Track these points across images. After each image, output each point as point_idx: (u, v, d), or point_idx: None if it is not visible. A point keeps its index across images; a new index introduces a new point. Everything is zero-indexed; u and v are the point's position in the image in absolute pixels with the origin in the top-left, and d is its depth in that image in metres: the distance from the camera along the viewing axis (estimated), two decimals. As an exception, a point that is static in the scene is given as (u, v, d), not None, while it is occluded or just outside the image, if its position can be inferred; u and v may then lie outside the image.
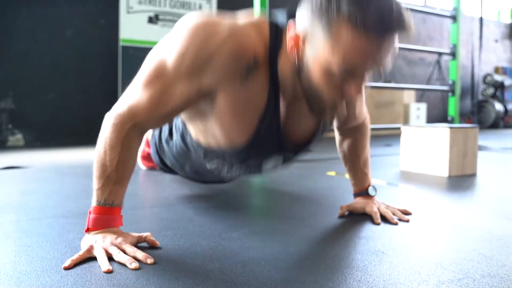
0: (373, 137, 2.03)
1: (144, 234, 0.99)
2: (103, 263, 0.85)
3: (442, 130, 2.11)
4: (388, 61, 0.83)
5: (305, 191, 1.72)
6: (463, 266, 0.86)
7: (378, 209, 1.27)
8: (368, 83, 1.27)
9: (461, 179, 2.01)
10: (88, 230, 0.95)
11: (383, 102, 5.72)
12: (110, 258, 0.88)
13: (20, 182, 1.90)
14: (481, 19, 4.06)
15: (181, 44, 0.90)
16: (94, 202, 0.96)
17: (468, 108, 7.70)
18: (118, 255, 0.88)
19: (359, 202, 1.32)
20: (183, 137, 1.24)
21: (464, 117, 7.18)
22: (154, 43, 4.18)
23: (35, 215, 1.27)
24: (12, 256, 0.90)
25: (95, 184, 0.96)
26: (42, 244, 0.99)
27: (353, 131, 1.35)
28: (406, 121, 6.04)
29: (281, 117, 1.02)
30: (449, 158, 2.08)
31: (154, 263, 0.87)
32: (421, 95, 6.90)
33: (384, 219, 1.23)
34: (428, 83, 7.26)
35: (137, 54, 4.24)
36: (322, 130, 1.15)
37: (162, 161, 1.54)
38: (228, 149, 1.09)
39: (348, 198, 1.45)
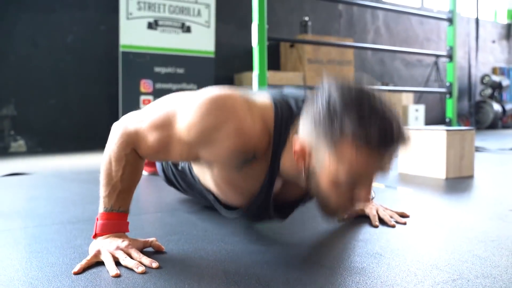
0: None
1: (150, 239, 1.02)
2: (111, 268, 0.88)
3: (439, 133, 2.14)
4: (390, 167, 0.87)
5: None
6: (458, 267, 0.90)
7: (377, 211, 1.30)
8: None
9: (458, 181, 2.04)
10: (95, 236, 0.98)
11: (382, 104, 5.76)
12: (117, 263, 0.91)
13: (26, 189, 1.93)
14: (477, 20, 4.10)
15: (191, 116, 0.92)
16: (101, 209, 1.00)
17: (466, 109, 7.74)
18: (125, 260, 0.91)
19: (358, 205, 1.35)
20: (188, 167, 1.27)
21: (462, 117, 7.22)
22: (154, 48, 4.19)
23: (42, 221, 1.31)
24: (23, 263, 0.94)
25: (102, 192, 1.00)
26: (51, 250, 1.03)
27: None
28: (404, 123, 6.08)
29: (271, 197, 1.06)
30: (446, 160, 2.12)
31: (160, 267, 0.90)
32: (419, 97, 6.94)
33: (382, 221, 1.26)
34: (426, 84, 7.30)
35: (137, 59, 4.28)
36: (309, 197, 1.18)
37: (166, 176, 1.56)
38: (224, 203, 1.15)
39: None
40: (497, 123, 7.88)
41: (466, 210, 1.44)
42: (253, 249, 1.02)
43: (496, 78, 7.93)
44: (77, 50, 4.35)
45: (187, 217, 1.36)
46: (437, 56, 4.73)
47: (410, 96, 6.48)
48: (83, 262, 0.91)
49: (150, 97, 4.35)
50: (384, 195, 1.71)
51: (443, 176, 2.12)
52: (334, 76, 0.87)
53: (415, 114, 6.17)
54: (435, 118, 7.04)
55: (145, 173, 2.25)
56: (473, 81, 7.24)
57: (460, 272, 0.87)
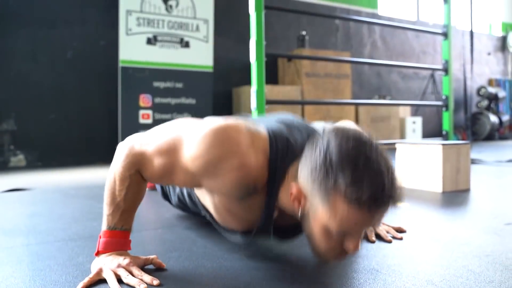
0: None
1: (151, 256, 1.04)
2: (113, 286, 0.90)
3: (435, 147, 2.17)
4: (380, 223, 0.89)
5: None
6: (453, 282, 0.92)
7: (373, 227, 1.32)
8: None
9: (454, 195, 2.07)
10: (98, 253, 1.01)
11: (379, 117, 5.80)
12: (120, 281, 0.93)
13: (27, 205, 1.95)
14: (471, 33, 4.16)
15: (196, 146, 0.94)
16: (104, 227, 1.02)
17: (463, 121, 7.79)
18: (127, 278, 0.93)
19: (355, 220, 1.37)
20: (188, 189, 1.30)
21: (459, 129, 7.26)
22: (153, 63, 4.24)
23: (44, 239, 1.33)
24: (27, 281, 0.96)
25: (105, 210, 1.02)
26: (54, 267, 1.04)
27: None
28: (402, 135, 6.12)
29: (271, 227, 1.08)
30: (443, 174, 2.14)
31: (161, 284, 0.92)
32: (417, 109, 6.99)
33: (379, 236, 1.29)
34: (423, 96, 7.36)
35: (136, 74, 4.32)
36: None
37: (165, 194, 1.58)
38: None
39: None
40: (494, 135, 7.93)
41: (461, 224, 1.47)
42: (252, 266, 1.04)
43: (492, 89, 8.00)
44: (77, 65, 4.39)
45: (186, 233, 1.38)
46: (433, 70, 4.79)
47: (408, 108, 6.52)
48: (86, 280, 0.93)
49: (149, 112, 4.39)
50: (381, 209, 1.73)
51: (440, 190, 2.14)
52: (335, 127, 0.89)
53: (413, 126, 6.20)
54: (432, 130, 7.08)
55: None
56: (469, 93, 7.31)
57: (454, 287, 0.89)
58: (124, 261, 0.97)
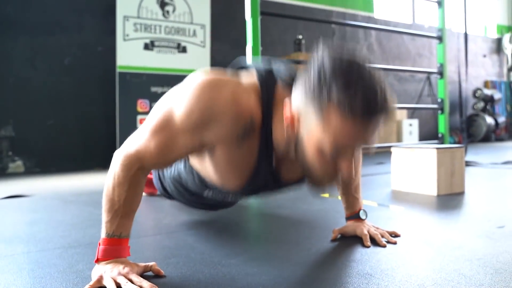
0: (366, 156, 2.12)
1: (150, 263, 1.06)
2: (113, 292, 0.92)
3: (430, 151, 2.20)
4: (374, 139, 0.92)
5: (299, 215, 1.80)
6: (444, 286, 0.94)
7: (368, 231, 1.35)
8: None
9: (449, 198, 2.09)
10: (98, 261, 1.03)
11: (376, 120, 5.83)
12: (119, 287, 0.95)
13: (26, 212, 1.97)
14: (465, 35, 4.20)
15: (188, 102, 0.98)
16: (103, 234, 1.04)
17: (459, 123, 7.84)
18: (126, 285, 0.95)
19: (350, 225, 1.40)
20: (184, 166, 1.33)
21: (456, 131, 7.31)
22: (150, 68, 4.29)
23: (44, 246, 1.35)
24: (28, 288, 0.98)
25: (104, 217, 1.04)
26: (54, 275, 1.06)
27: None
28: (399, 138, 6.15)
29: (273, 169, 1.12)
30: (437, 178, 2.17)
31: (160, 291, 0.94)
32: (413, 112, 7.03)
33: (374, 241, 1.31)
34: (419, 99, 7.40)
35: (134, 80, 4.34)
36: None
37: (163, 186, 1.61)
38: (224, 188, 1.20)
39: (340, 221, 1.53)
40: (491, 136, 7.98)
41: (455, 228, 1.49)
42: (248, 272, 1.06)
43: (488, 91, 8.06)
44: (74, 71, 4.41)
45: (185, 239, 1.41)
46: (429, 73, 4.82)
47: (404, 111, 6.56)
48: (86, 287, 0.95)
49: (147, 117, 4.40)
50: (376, 213, 1.76)
51: (435, 193, 2.17)
52: (328, 45, 0.91)
53: (409, 128, 6.24)
54: (429, 132, 7.12)
55: (143, 193, 2.29)
56: (465, 95, 7.36)
57: (445, 291, 0.91)
58: (124, 269, 0.99)
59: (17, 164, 4.14)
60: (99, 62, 4.52)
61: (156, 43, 4.45)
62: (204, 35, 4.71)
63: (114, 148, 4.27)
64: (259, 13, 2.81)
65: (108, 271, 0.99)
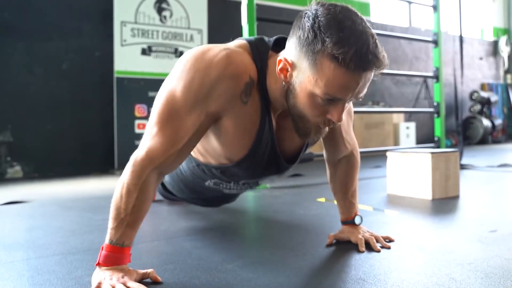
0: (363, 159, 2.12)
1: (148, 270, 1.08)
2: (112, 299, 0.94)
3: (424, 155, 2.23)
4: (365, 91, 0.95)
5: (295, 220, 1.82)
6: (435, 291, 0.96)
7: (363, 236, 1.37)
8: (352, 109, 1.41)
9: (444, 202, 2.12)
10: (99, 264, 1.04)
11: (373, 123, 5.86)
12: (117, 294, 0.97)
13: (25, 218, 1.99)
14: (461, 38, 4.23)
15: (185, 77, 1.01)
16: (107, 240, 1.05)
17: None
18: (124, 291, 0.97)
19: (345, 230, 1.42)
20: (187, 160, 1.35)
21: (453, 133, 7.34)
22: (148, 73, 4.32)
23: (43, 253, 1.36)
24: (28, 295, 1.00)
25: (110, 223, 1.05)
26: (53, 282, 1.08)
27: (343, 163, 1.45)
28: (396, 141, 6.18)
29: (273, 131, 1.15)
30: (432, 182, 2.20)
31: (157, 297, 0.96)
32: (410, 115, 7.07)
33: (368, 246, 1.33)
34: (416, 102, 7.44)
35: (131, 85, 4.37)
36: (307, 145, 1.28)
37: (162, 184, 1.63)
38: (229, 164, 1.22)
39: (336, 225, 1.56)
40: (487, 138, 8.02)
41: (448, 233, 1.52)
42: (244, 277, 1.08)
43: (484, 94, 8.11)
44: (72, 77, 4.44)
45: (182, 245, 1.43)
46: (425, 77, 4.86)
47: (401, 114, 6.60)
48: (85, 293, 0.97)
49: (145, 122, 4.43)
50: (371, 218, 1.78)
51: (430, 197, 2.20)
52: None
53: (406, 131, 6.27)
54: (426, 135, 7.16)
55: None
56: (461, 98, 7.40)
57: (436, 296, 0.94)
58: (123, 277, 1.01)
59: (16, 170, 4.15)
60: (96, 68, 4.54)
61: (154, 48, 4.48)
62: (201, 40, 4.73)
63: (112, 153, 4.30)
64: (256, 19, 2.83)
65: (107, 278, 1.01)
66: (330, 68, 0.87)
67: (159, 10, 4.52)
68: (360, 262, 1.20)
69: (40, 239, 1.56)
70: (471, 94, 8.12)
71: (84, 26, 4.53)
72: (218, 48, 1.04)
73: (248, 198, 2.37)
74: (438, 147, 3.81)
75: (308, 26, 0.90)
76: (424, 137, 7.08)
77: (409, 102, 7.42)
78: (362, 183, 2.90)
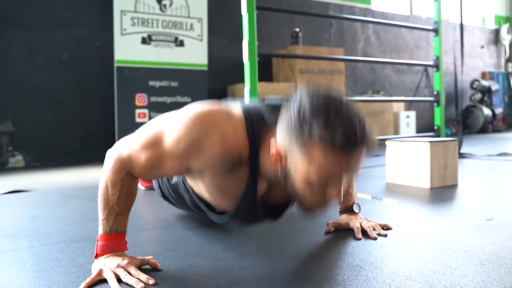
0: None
1: (147, 257, 1.11)
2: (113, 285, 0.97)
3: (423, 144, 2.24)
4: (360, 168, 0.96)
5: (293, 209, 1.83)
6: (429, 277, 0.99)
7: (360, 224, 1.39)
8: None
9: (442, 190, 2.14)
10: (97, 256, 1.07)
11: (373, 112, 5.87)
12: (119, 280, 1.00)
13: (28, 207, 2.01)
14: (461, 26, 4.22)
15: (178, 131, 1.02)
16: (100, 231, 1.08)
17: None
18: (125, 277, 1.00)
19: (344, 218, 1.45)
20: (179, 181, 1.37)
21: (453, 122, 7.35)
22: (148, 63, 4.30)
23: (46, 241, 1.39)
24: (32, 281, 1.02)
25: (100, 215, 1.08)
26: (56, 269, 1.11)
27: None
28: (396, 129, 6.19)
29: (259, 196, 1.15)
30: (430, 171, 2.21)
31: (157, 283, 0.98)
32: (410, 103, 7.06)
33: (365, 234, 1.35)
34: (416, 91, 7.43)
35: (132, 74, 4.37)
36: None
37: (161, 191, 1.64)
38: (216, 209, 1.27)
39: (333, 214, 1.57)
40: (488, 127, 8.03)
41: (445, 221, 1.54)
42: (243, 264, 1.10)
43: (485, 82, 8.09)
44: (72, 67, 4.44)
45: (182, 233, 1.45)
46: (425, 66, 4.85)
47: (401, 103, 6.59)
48: (88, 280, 0.99)
49: (145, 111, 4.44)
50: (370, 206, 1.80)
51: (428, 186, 2.22)
52: (306, 84, 0.97)
53: (406, 120, 6.28)
54: (426, 124, 7.16)
55: (141, 187, 2.34)
56: (462, 87, 7.39)
57: (430, 282, 0.96)
58: (123, 261, 1.04)
59: (17, 159, 4.18)
60: (96, 57, 4.54)
61: (154, 37, 4.47)
62: (201, 28, 4.72)
63: (113, 142, 4.26)
64: (255, 7, 2.83)
65: (107, 264, 1.03)
66: (319, 154, 0.88)
67: (159, -1, 4.50)
68: (357, 249, 1.22)
69: (43, 227, 1.59)
70: (472, 83, 8.10)
71: (83, 15, 4.52)
72: (217, 120, 1.03)
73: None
74: (438, 136, 3.82)
75: (294, 115, 0.91)
76: (425, 126, 7.09)
77: (410, 91, 7.41)
78: (361, 172, 2.92)
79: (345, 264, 1.09)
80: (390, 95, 6.90)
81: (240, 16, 2.88)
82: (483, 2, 9.04)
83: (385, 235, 1.35)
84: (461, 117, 4.64)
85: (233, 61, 5.16)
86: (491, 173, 2.78)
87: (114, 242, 1.08)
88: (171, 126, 1.05)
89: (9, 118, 4.14)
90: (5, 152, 4.13)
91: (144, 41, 4.43)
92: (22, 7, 4.17)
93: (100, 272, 1.02)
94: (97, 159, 4.34)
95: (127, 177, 1.08)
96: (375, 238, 1.32)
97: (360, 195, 2.01)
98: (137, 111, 4.40)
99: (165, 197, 1.60)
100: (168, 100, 4.58)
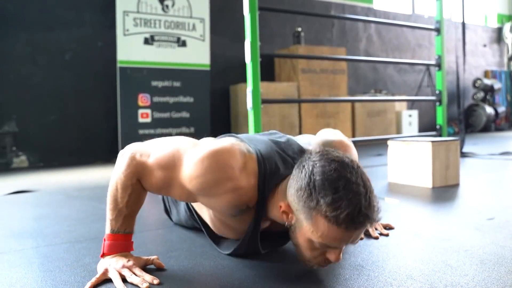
0: (365, 147, 2.15)
1: (152, 257, 1.12)
2: (119, 285, 0.99)
3: (425, 144, 2.25)
4: (359, 238, 0.98)
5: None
6: (430, 277, 1.00)
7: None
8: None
9: (443, 190, 2.15)
10: (103, 255, 1.09)
11: (375, 111, 5.87)
12: (124, 280, 1.01)
13: (33, 207, 2.03)
14: (463, 25, 4.22)
15: (195, 167, 1.03)
16: (108, 230, 1.10)
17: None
18: (130, 277, 1.01)
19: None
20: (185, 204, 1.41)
21: (455, 121, 7.34)
22: (151, 63, 4.32)
23: (52, 241, 1.41)
24: (39, 281, 1.04)
25: (108, 215, 1.10)
26: (62, 269, 1.12)
27: None
28: (398, 129, 6.20)
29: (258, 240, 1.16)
30: (432, 170, 2.22)
31: (161, 283, 1.00)
32: (412, 102, 7.06)
33: (367, 233, 1.37)
34: (418, 90, 7.42)
35: (135, 74, 4.39)
36: None
37: (165, 207, 1.66)
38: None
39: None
40: (490, 126, 8.02)
41: (446, 220, 1.55)
42: (247, 264, 1.12)
43: (488, 81, 8.08)
44: (75, 67, 4.46)
45: (186, 233, 1.46)
46: (427, 65, 4.85)
47: (403, 102, 6.59)
48: (93, 280, 1.01)
49: (148, 111, 4.46)
50: (371, 206, 1.81)
51: (430, 186, 2.22)
52: (320, 150, 0.98)
53: (409, 119, 6.28)
54: (428, 123, 7.15)
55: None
56: (464, 86, 7.38)
57: (431, 281, 0.97)
58: (128, 262, 1.05)
59: (21, 159, 4.20)
60: (99, 57, 4.56)
61: (156, 38, 4.49)
62: (203, 29, 4.74)
63: (116, 142, 4.33)
64: (257, 8, 2.84)
65: (113, 264, 1.05)
66: (324, 225, 0.91)
67: (161, 0, 4.52)
68: (359, 249, 1.23)
69: (48, 227, 1.61)
70: (474, 82, 8.09)
71: (86, 16, 4.54)
72: (235, 168, 1.03)
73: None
74: (440, 135, 3.82)
75: (304, 184, 0.93)
76: (427, 125, 7.08)
77: (412, 90, 7.40)
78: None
79: (347, 264, 1.11)
80: (392, 94, 6.90)
81: (242, 16, 2.89)
82: (486, 1, 9.03)
83: (387, 235, 1.36)
84: (464, 116, 4.64)
85: (235, 61, 5.17)
86: (493, 173, 2.79)
87: (121, 242, 1.10)
88: (189, 158, 1.05)
89: (12, 119, 4.16)
90: (9, 153, 4.16)
91: (147, 41, 4.45)
92: (25, 7, 4.19)
93: (106, 272, 1.04)
94: (101, 158, 4.37)
95: (137, 184, 1.10)
96: (377, 238, 1.33)
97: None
98: (140, 111, 4.42)
99: (167, 212, 1.62)
100: (171, 100, 4.59)
